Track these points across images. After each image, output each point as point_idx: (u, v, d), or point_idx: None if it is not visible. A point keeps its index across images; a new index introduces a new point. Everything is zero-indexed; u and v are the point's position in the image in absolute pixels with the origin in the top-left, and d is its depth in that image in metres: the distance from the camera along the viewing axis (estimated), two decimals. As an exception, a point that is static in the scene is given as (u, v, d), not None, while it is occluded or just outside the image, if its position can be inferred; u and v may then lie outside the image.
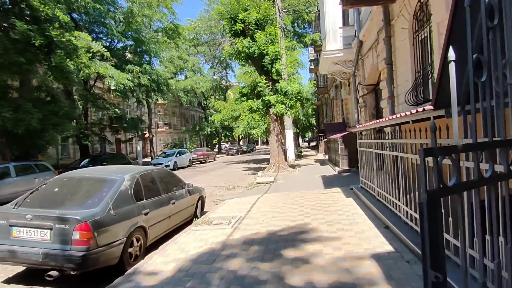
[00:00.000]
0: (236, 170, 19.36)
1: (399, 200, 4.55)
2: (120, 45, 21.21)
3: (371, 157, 6.44)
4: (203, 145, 53.83)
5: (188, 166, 25.20)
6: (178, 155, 23.62)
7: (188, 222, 6.50)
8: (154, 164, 22.16)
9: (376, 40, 9.57)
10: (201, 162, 29.36)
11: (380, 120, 4.44)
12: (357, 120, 12.57)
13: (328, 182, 10.77)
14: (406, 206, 4.18)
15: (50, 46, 11.54)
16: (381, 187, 5.65)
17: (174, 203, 5.72)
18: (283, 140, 16.25)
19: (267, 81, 15.00)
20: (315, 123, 47.50)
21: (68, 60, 11.44)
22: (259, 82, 15.00)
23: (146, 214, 4.79)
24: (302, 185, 10.55)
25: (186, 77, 42.49)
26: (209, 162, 30.01)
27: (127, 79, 15.56)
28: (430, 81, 6.28)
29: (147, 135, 39.03)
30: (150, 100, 28.27)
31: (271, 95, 14.98)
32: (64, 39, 11.17)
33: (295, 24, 26.87)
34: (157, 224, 5.11)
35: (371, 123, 5.07)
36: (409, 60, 6.98)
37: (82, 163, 16.27)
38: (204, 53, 45.95)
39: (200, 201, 7.23)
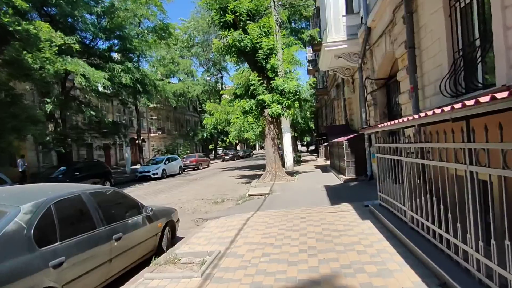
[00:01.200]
0: (229, 178, 17.57)
1: (466, 243, 2.78)
2: (107, 44, 19.57)
3: (399, 167, 4.68)
4: (199, 151, 52.13)
5: (179, 173, 23.39)
6: (167, 162, 21.79)
7: (148, 260, 4.71)
8: (141, 172, 20.43)
9: (390, 22, 7.87)
10: (194, 169, 27.59)
11: (431, 112, 2.68)
12: (365, 120, 10.84)
13: (334, 194, 8.99)
14: (491, 260, 2.41)
15: (5, 37, 9.79)
16: (420, 213, 3.88)
17: (119, 239, 3.92)
18: (280, 145, 14.48)
19: (260, 79, 13.27)
20: (313, 127, 45.86)
21: (25, 53, 9.67)
22: (251, 80, 13.25)
23: (57, 266, 2.99)
24: (302, 199, 8.76)
25: (180, 80, 40.93)
26: (203, 168, 28.21)
27: (105, 78, 13.78)
28: (480, 64, 4.54)
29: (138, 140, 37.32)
30: (138, 103, 26.42)
31: (265, 94, 13.26)
32: (20, 28, 9.40)
33: (292, 21, 25.23)
34: (83, 277, 3.31)
35: (409, 119, 3.32)
36: (444, 38, 5.25)
37: (56, 172, 14.43)
38: (198, 55, 44.38)
39: (168, 228, 5.43)
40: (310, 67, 37.12)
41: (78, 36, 14.04)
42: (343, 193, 9.09)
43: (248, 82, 13.92)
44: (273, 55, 13.54)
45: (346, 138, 11.74)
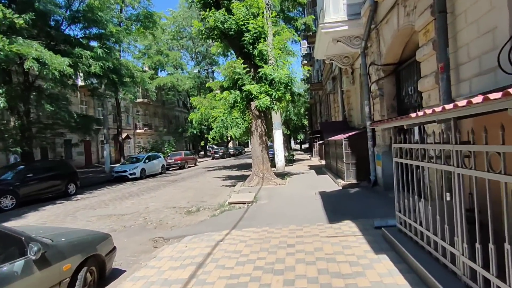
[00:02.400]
0: (212, 180, 15.77)
1: None
2: (82, 32, 17.51)
3: (444, 182, 2.95)
4: (189, 148, 50.17)
5: (161, 173, 21.49)
6: (147, 161, 19.86)
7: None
8: (117, 172, 18.51)
9: (406, -12, 6.14)
10: (180, 168, 25.71)
11: None
12: (368, 115, 9.13)
13: (332, 205, 7.25)
14: None
15: None
16: (496, 272, 2.14)
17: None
18: (268, 143, 12.70)
19: (246, 66, 11.45)
20: (307, 124, 44.26)
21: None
22: (236, 68, 11.44)
23: None
24: (292, 211, 7.03)
25: (169, 74, 38.99)
26: (189, 167, 26.33)
27: (67, 64, 11.80)
28: None
29: (123, 137, 35.27)
30: (119, 96, 24.34)
31: (252, 84, 11.47)
32: None
33: (285, 9, 23.41)
34: None
35: (492, 97, 1.57)
36: (503, -13, 3.53)
37: (7, 173, 12.40)
38: (187, 48, 42.39)
39: (89, 269, 3.63)
40: (305, 61, 35.48)
41: (34, 15, 11.87)
42: (344, 204, 7.35)
43: (234, 70, 12.07)
44: (262, 39, 11.75)
45: (346, 135, 10.03)
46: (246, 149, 61.17)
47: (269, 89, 11.37)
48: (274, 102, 11.58)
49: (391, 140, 8.39)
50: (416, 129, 5.67)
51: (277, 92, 11.35)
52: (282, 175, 13.82)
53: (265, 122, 12.35)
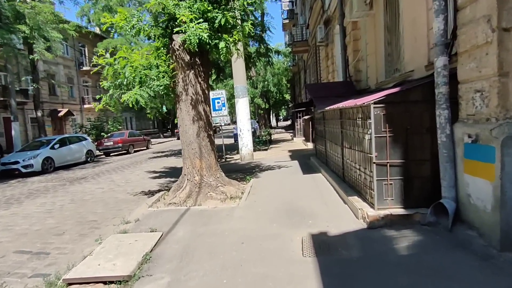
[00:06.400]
0: (138, 177, 9.96)
1: None
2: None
3: None
4: (156, 126, 43.88)
5: (87, 161, 15.46)
6: (57, 146, 13.69)
7: None
8: (5, 164, 12.40)
9: None
10: (126, 152, 19.72)
11: None
12: (440, 39, 3.46)
13: None
14: None
15: None
16: None
17: None
18: (211, 118, 6.79)
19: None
20: (290, 98, 38.53)
21: None
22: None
23: None
24: None
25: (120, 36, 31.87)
26: (136, 151, 20.35)
27: None
28: None
29: (62, 113, 28.58)
30: (36, 56, 17.51)
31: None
32: None
33: None
34: None
35: None
36: None
37: None
38: (146, 8, 35.12)
39: None
40: (287, 20, 29.38)
41: None
42: None
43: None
44: None
45: (376, 97, 4.34)
46: (223, 126, 54.90)
47: (209, 8, 5.55)
48: (222, 36, 5.74)
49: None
50: None
51: (226, 15, 5.53)
52: (244, 171, 8.23)
53: (205, 77, 6.46)
